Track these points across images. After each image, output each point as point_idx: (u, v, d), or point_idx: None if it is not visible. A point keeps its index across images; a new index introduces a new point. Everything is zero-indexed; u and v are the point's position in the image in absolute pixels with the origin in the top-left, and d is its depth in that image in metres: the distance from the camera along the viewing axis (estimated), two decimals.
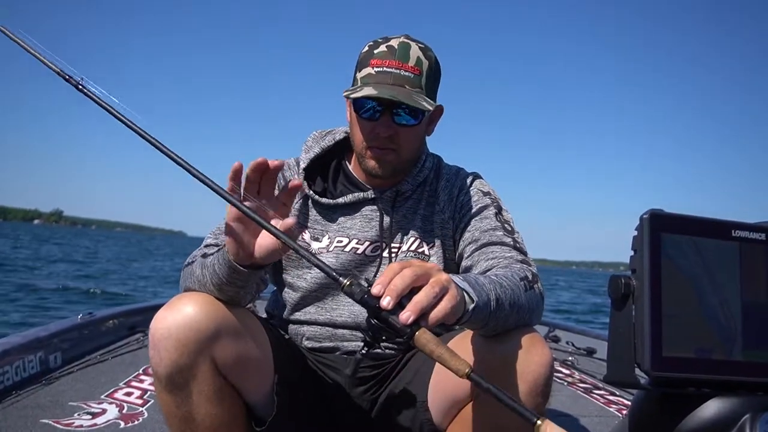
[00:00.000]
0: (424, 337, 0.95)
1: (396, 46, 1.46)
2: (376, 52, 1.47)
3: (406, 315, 0.94)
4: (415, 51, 1.47)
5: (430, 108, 1.44)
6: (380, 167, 1.51)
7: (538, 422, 0.87)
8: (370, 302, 0.96)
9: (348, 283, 0.97)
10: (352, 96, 1.44)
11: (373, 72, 1.45)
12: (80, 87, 1.16)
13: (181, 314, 1.23)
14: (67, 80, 1.18)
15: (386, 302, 0.95)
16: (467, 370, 0.92)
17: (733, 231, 0.95)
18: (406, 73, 1.44)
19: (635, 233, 0.91)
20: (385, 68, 1.44)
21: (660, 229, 0.90)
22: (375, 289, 0.96)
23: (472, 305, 1.10)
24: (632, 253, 0.91)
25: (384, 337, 1.00)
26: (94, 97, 1.15)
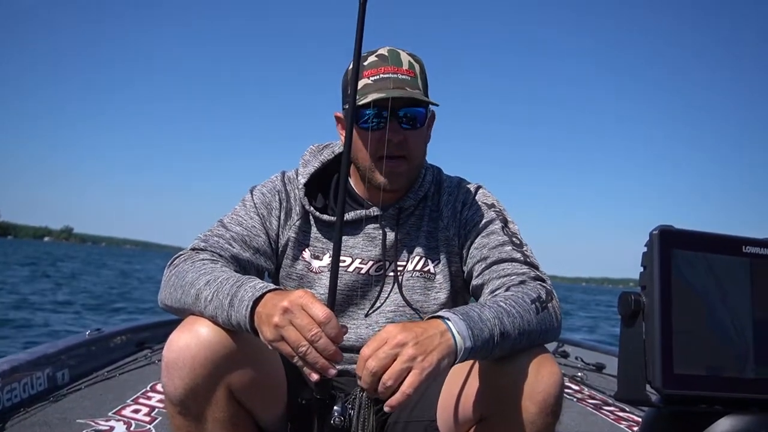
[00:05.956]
0: None
1: (386, 54, 1.46)
2: (366, 63, 1.45)
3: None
4: (405, 56, 1.47)
5: (437, 103, 1.45)
6: (393, 180, 1.48)
7: None
8: None
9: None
10: (360, 103, 1.39)
11: (370, 81, 1.43)
12: None
13: (195, 338, 1.21)
14: None
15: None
16: None
17: (744, 247, 0.94)
18: (404, 77, 1.44)
19: (645, 249, 0.91)
20: (382, 75, 1.43)
21: (670, 246, 0.90)
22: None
23: (468, 347, 1.14)
24: (642, 269, 0.91)
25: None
26: None
